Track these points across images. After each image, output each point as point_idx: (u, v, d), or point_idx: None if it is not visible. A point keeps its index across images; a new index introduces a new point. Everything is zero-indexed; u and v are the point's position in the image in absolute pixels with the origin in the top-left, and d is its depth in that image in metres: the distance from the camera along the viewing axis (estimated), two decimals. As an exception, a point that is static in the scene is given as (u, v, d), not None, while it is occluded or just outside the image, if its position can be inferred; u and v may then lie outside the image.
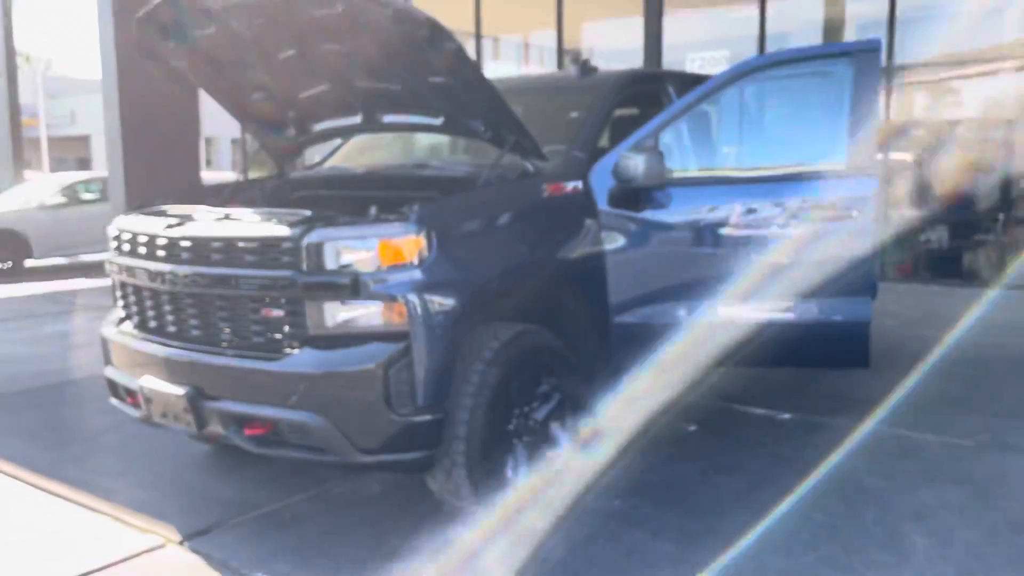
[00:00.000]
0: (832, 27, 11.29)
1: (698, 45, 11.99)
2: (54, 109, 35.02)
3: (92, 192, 12.70)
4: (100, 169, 32.90)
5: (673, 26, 11.30)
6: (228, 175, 23.30)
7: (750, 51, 10.61)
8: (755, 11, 10.54)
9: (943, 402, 4.84)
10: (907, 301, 8.01)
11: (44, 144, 30.41)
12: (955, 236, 9.62)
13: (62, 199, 12.35)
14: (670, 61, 11.29)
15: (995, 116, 9.69)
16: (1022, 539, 3.16)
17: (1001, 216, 9.36)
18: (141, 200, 3.79)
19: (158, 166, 5.67)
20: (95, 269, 11.99)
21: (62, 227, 12.07)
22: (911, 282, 9.23)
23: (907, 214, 9.76)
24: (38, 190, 12.72)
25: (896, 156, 10.12)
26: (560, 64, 12.29)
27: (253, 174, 4.52)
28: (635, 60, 11.38)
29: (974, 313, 7.41)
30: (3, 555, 3.18)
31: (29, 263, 12.05)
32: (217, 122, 6.02)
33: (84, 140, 36.50)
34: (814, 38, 11.42)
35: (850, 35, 11.16)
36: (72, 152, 36.54)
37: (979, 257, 9.53)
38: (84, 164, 35.53)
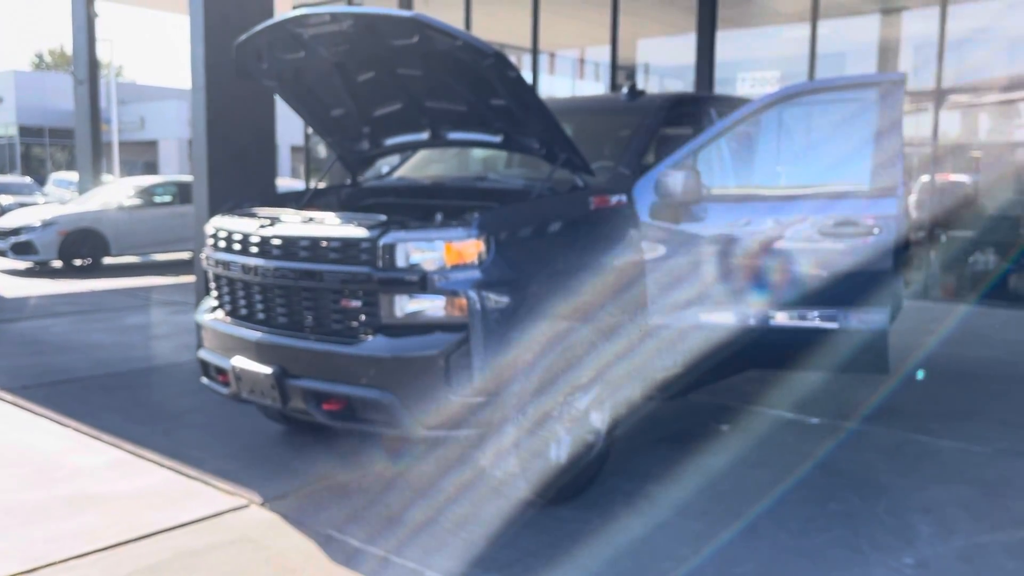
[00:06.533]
0: (882, 48, 11.44)
1: (750, 63, 12.22)
2: (124, 115, 36.53)
3: (165, 195, 13.43)
4: (166, 173, 34.18)
5: (726, 44, 11.54)
6: (290, 181, 24.20)
7: (801, 70, 10.84)
8: (807, 31, 10.76)
9: (966, 412, 5.09)
10: (946, 320, 8.20)
11: (115, 149, 31.76)
12: (1002, 258, 9.74)
13: (138, 201, 13.06)
14: (722, 78, 11.56)
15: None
16: (1022, 532, 3.43)
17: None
18: (233, 203, 4.27)
19: (238, 172, 6.19)
20: (166, 268, 12.78)
21: (137, 227, 12.80)
22: (956, 302, 9.38)
23: (954, 235, 9.92)
24: (116, 192, 13.43)
25: (945, 177, 10.27)
26: (614, 79, 12.67)
27: (319, 181, 4.99)
28: (688, 77, 11.68)
29: (1012, 333, 7.58)
30: (113, 507, 3.67)
31: (107, 260, 12.82)
32: (277, 130, 6.48)
33: (152, 145, 37.98)
34: (865, 59, 11.59)
35: (904, 55, 11.32)
36: (140, 156, 38.02)
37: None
38: (151, 168, 36.97)
